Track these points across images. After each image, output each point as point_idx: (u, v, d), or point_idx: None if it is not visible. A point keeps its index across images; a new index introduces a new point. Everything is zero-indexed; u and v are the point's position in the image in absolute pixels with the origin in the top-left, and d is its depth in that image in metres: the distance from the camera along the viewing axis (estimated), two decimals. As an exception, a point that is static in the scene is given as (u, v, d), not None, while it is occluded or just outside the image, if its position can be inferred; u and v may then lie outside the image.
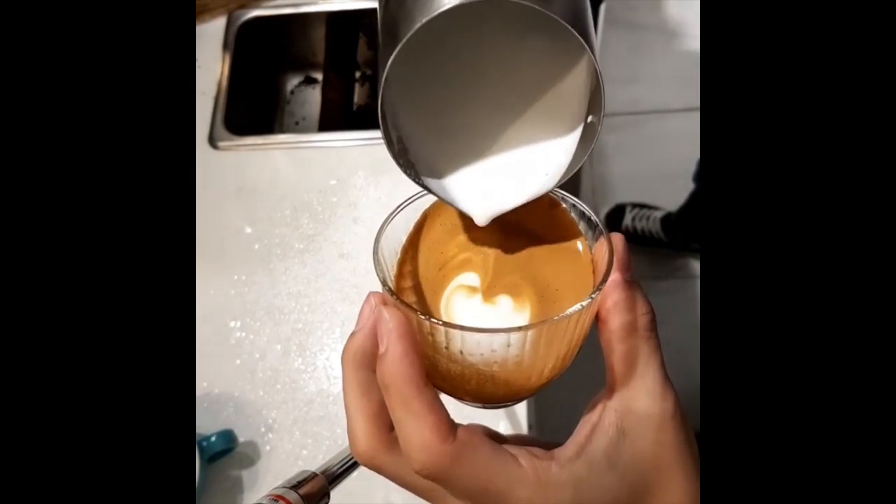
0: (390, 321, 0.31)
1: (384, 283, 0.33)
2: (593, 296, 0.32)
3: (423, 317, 0.31)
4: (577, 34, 0.29)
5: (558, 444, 0.33)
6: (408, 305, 0.32)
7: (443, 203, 0.36)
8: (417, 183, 0.35)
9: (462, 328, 0.31)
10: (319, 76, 1.19)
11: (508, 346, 0.32)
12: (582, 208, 0.37)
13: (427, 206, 0.38)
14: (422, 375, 0.31)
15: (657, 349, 0.33)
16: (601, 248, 0.35)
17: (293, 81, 1.21)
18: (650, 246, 1.71)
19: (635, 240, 1.71)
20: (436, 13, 0.28)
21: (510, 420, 0.75)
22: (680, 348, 1.21)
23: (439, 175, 0.36)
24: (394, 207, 0.37)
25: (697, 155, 1.36)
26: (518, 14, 0.29)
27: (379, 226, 0.36)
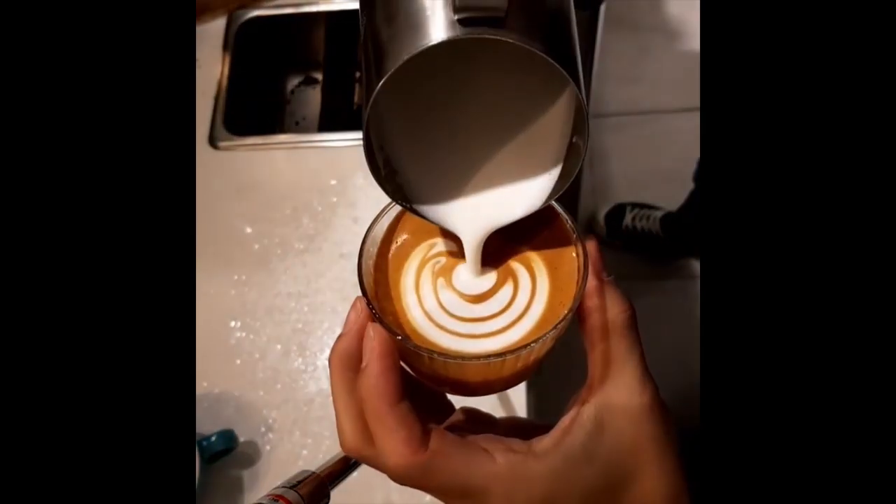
0: (374, 339, 0.33)
1: (369, 304, 0.34)
2: (568, 316, 0.34)
3: (409, 345, 0.33)
4: (558, 65, 0.29)
5: (551, 425, 0.34)
6: (390, 329, 0.33)
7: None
8: (405, 207, 0.36)
9: (445, 355, 0.33)
10: (319, 76, 1.19)
11: (489, 364, 0.34)
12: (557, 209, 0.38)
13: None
14: (397, 392, 0.32)
15: (636, 345, 0.34)
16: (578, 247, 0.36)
17: (293, 81, 1.21)
18: (650, 246, 1.71)
19: (635, 240, 1.71)
20: (422, 48, 0.28)
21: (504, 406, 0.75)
22: (680, 348, 1.21)
23: (428, 198, 0.36)
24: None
25: (697, 155, 1.36)
26: (504, 46, 0.28)
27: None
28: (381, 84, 0.29)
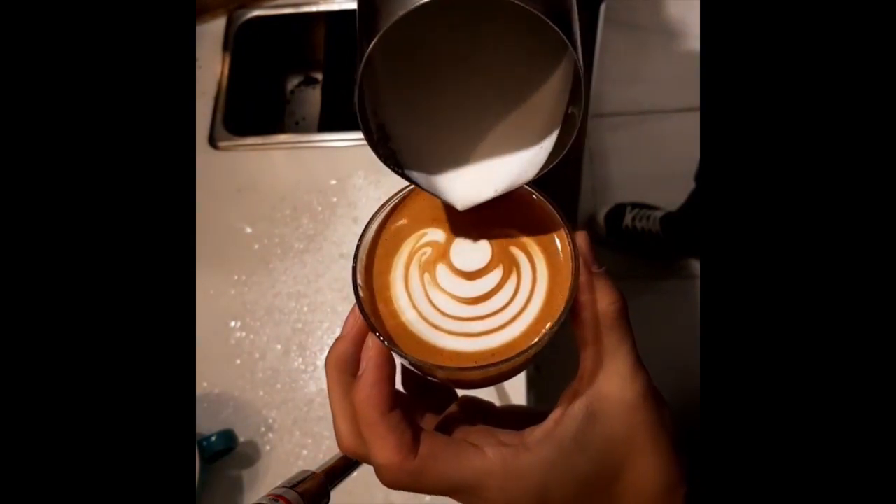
0: (371, 349, 0.34)
1: (364, 315, 0.35)
2: (562, 318, 0.34)
3: (408, 358, 0.34)
4: (555, 27, 0.28)
5: (549, 411, 0.35)
6: (386, 339, 0.34)
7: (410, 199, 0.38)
8: (397, 172, 0.35)
9: (443, 367, 0.34)
10: (319, 76, 1.19)
11: (486, 370, 0.34)
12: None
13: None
14: (389, 401, 0.33)
15: (627, 336, 0.35)
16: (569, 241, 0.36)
17: (293, 81, 1.21)
18: (650, 246, 1.71)
19: (635, 240, 1.71)
20: (416, 5, 0.27)
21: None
22: (680, 348, 1.21)
23: (421, 165, 0.36)
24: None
25: (697, 155, 1.35)
26: (501, 8, 0.28)
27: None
28: (373, 43, 0.29)
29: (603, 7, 1.15)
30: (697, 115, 0.32)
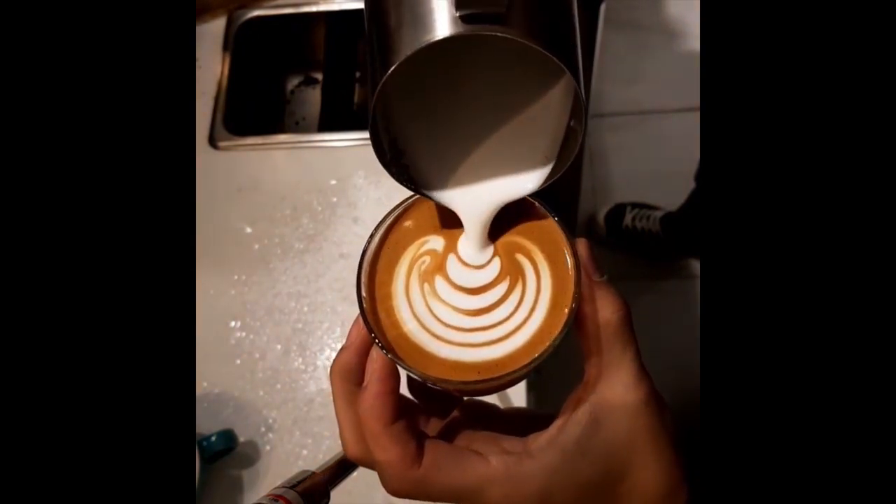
0: (375, 361, 0.34)
1: (369, 328, 0.35)
2: (563, 331, 0.34)
3: (413, 372, 0.34)
4: (557, 60, 0.30)
5: (553, 414, 0.35)
6: (390, 353, 0.34)
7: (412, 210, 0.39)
8: (410, 188, 0.37)
9: (445, 381, 0.34)
10: (319, 76, 1.19)
11: (489, 383, 0.34)
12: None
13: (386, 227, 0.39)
14: (393, 413, 0.34)
15: (630, 343, 0.35)
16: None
17: (293, 81, 1.21)
18: (650, 246, 1.71)
19: (635, 240, 1.71)
20: (425, 44, 0.29)
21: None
22: (680, 348, 1.21)
23: (432, 178, 0.37)
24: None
25: (697, 155, 1.35)
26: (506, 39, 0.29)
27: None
28: (385, 78, 0.30)
29: (603, 7, 1.15)
30: (697, 115, 0.32)
